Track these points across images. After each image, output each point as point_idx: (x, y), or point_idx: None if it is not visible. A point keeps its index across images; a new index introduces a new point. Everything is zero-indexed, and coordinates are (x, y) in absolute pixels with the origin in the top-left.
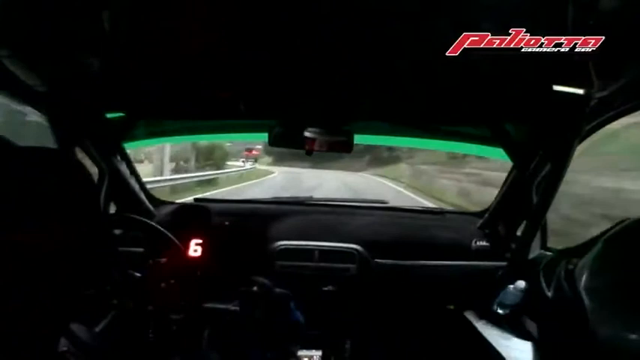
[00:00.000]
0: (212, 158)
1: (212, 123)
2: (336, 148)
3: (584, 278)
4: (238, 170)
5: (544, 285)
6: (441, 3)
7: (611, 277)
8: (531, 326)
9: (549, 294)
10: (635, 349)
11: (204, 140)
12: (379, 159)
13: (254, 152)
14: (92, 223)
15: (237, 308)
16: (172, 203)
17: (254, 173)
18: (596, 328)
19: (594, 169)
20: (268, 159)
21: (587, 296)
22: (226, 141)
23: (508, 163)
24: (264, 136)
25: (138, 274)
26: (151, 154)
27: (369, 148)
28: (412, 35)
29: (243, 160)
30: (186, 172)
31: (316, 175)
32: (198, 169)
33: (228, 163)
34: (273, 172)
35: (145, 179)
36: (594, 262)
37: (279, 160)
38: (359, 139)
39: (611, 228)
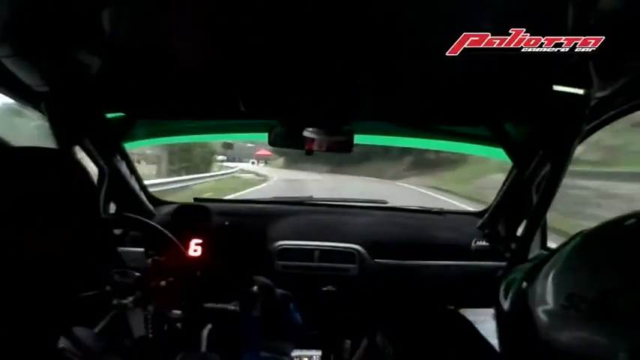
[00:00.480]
0: (189, 159)
1: (212, 123)
2: (335, 148)
3: (537, 291)
4: (211, 177)
5: (502, 296)
6: (441, 3)
7: (565, 291)
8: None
9: (506, 307)
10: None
11: (205, 140)
12: (424, 162)
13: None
14: (92, 223)
15: (237, 308)
16: (172, 203)
17: (236, 182)
18: (547, 347)
19: None
20: (280, 161)
21: (538, 312)
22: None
23: None
24: (264, 136)
25: (137, 274)
26: None
27: (408, 148)
28: (412, 35)
29: (253, 161)
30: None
31: (332, 185)
32: (172, 173)
33: (228, 164)
34: (265, 181)
35: None
36: (549, 273)
37: (292, 162)
38: (359, 139)
39: (574, 236)
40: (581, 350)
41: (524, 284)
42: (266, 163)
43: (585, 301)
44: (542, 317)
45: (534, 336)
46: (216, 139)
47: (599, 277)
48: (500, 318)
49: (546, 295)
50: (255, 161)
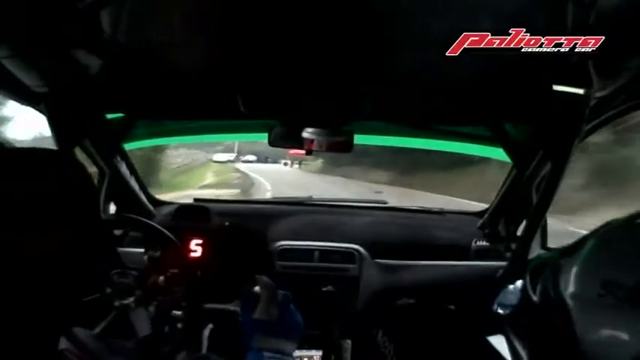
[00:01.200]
0: None
1: (212, 123)
2: (335, 149)
3: (570, 281)
4: None
5: (530, 289)
6: (441, 3)
7: (599, 279)
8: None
9: (535, 299)
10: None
11: (205, 140)
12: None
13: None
14: (92, 224)
15: (237, 309)
16: (172, 203)
17: None
18: (582, 336)
19: None
20: (318, 163)
21: (572, 300)
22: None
23: None
24: (264, 136)
25: (136, 273)
26: None
27: None
28: (412, 35)
29: (286, 162)
30: None
31: None
32: None
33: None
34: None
35: None
36: (581, 263)
37: (334, 166)
38: (359, 139)
39: (602, 227)
40: (619, 335)
41: (553, 278)
42: (300, 164)
43: (623, 289)
44: (576, 306)
45: (568, 325)
46: (216, 139)
47: (636, 267)
48: (529, 311)
49: (579, 285)
50: (289, 162)
